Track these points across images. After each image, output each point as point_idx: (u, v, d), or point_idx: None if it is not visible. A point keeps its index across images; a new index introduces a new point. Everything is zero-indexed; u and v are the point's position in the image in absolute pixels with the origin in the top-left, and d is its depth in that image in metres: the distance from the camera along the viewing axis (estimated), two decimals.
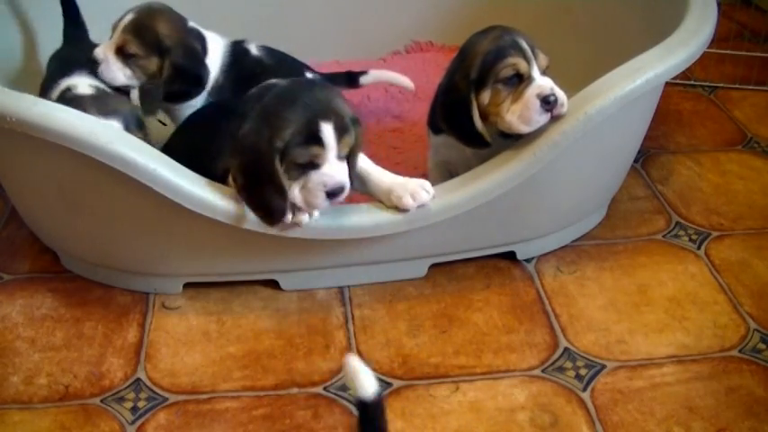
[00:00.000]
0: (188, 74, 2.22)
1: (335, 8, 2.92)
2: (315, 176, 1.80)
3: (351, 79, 2.52)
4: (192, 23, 2.28)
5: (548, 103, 1.90)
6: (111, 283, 2.10)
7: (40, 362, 1.90)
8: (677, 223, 2.34)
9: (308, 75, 2.41)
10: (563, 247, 2.24)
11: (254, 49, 2.36)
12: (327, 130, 1.77)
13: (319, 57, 2.79)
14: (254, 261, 2.03)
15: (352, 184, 1.86)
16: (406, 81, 2.55)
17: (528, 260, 2.20)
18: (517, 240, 2.17)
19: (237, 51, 2.34)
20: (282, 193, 1.79)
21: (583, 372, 1.89)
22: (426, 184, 1.93)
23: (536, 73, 1.93)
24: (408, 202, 1.90)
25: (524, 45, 1.94)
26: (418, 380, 1.87)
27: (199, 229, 1.89)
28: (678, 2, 2.26)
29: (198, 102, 2.27)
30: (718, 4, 2.27)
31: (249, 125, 1.79)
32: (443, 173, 2.13)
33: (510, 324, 2.01)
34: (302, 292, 2.09)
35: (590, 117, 1.91)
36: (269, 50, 2.38)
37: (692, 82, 3.04)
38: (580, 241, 2.27)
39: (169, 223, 1.90)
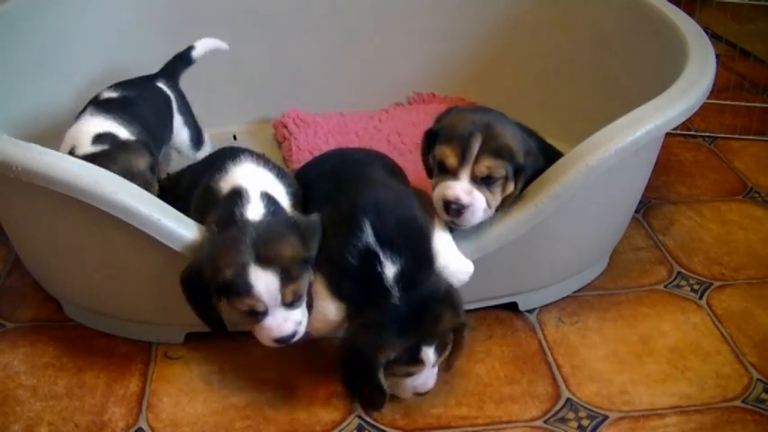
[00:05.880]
0: None
1: (338, 61, 2.95)
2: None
3: (184, 59, 2.58)
4: None
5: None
6: (114, 332, 2.10)
7: (42, 411, 1.89)
8: (679, 273, 2.35)
9: (160, 83, 2.48)
10: (565, 297, 2.24)
11: (104, 93, 2.39)
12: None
13: (321, 108, 2.82)
14: None
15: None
16: (222, 44, 2.63)
17: (530, 311, 2.20)
18: (519, 291, 2.17)
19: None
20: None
21: (585, 423, 1.88)
22: (469, 265, 1.91)
23: None
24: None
25: None
26: (420, 431, 1.87)
27: None
28: (677, 53, 2.29)
29: None
30: (717, 56, 2.29)
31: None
32: None
33: (512, 375, 2.01)
34: (305, 342, 2.08)
35: (591, 169, 1.92)
36: (117, 84, 2.43)
37: (693, 132, 3.06)
38: (582, 292, 2.27)
39: (172, 273, 1.90)
